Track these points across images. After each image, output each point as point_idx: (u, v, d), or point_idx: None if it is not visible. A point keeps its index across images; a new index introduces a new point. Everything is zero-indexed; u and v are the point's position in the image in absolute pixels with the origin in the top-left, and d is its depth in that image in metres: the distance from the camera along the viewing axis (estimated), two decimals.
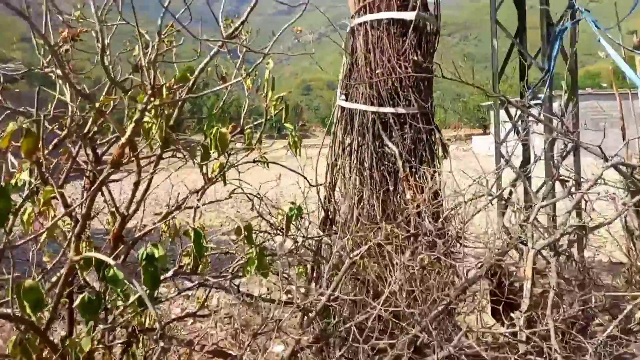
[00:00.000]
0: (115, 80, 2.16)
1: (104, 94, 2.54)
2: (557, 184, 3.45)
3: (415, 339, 2.29)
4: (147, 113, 2.14)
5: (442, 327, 2.45)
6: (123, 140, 2.04)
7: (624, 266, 3.25)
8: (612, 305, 2.63)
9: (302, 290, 2.82)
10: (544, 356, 2.07)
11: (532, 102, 3.62)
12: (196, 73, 2.21)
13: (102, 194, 2.72)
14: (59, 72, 2.12)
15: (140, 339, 3.02)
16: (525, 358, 2.19)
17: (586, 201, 2.80)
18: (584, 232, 2.62)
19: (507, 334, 2.30)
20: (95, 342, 2.60)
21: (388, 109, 3.61)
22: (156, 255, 2.23)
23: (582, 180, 2.92)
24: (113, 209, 3.17)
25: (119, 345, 3.08)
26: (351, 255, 2.47)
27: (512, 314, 2.32)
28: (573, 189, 3.23)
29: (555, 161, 2.89)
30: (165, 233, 2.95)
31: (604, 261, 4.23)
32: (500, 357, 2.21)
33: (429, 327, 2.28)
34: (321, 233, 3.79)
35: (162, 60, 2.58)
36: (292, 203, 3.09)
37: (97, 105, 2.03)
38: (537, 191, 3.89)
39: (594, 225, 2.61)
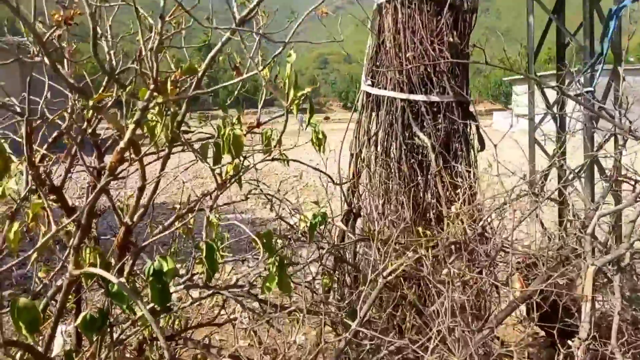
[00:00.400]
0: (113, 72, 1.87)
1: (103, 85, 2.25)
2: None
3: None
4: (151, 110, 1.86)
5: (486, 351, 2.16)
6: (122, 144, 1.77)
7: None
8: None
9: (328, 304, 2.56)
10: None
11: (584, 90, 3.22)
12: (205, 63, 1.90)
13: (107, 194, 2.47)
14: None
15: (154, 343, 2.83)
16: None
17: None
18: None
19: None
20: (102, 358, 2.38)
21: (420, 97, 3.26)
22: (165, 269, 1.97)
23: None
24: (122, 205, 2.92)
25: (131, 350, 2.89)
26: (384, 274, 2.19)
27: (569, 342, 2.02)
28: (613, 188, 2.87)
29: (616, 159, 2.53)
30: (178, 230, 2.69)
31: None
32: None
33: (473, 354, 2.00)
34: (344, 227, 3.50)
35: (168, 46, 2.28)
36: (316, 203, 2.79)
37: (90, 102, 1.75)
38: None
39: None
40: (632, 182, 2.35)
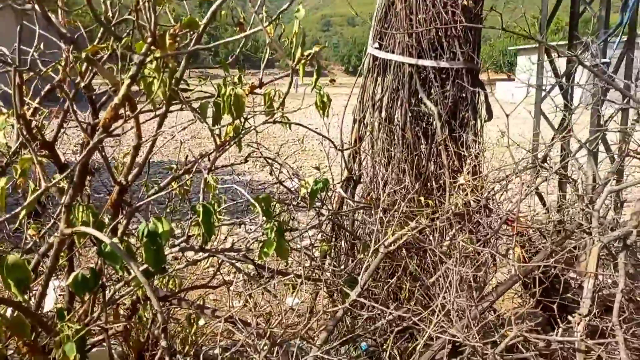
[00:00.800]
0: (109, 23, 1.75)
1: (98, 37, 2.13)
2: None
3: (453, 342, 1.99)
4: (148, 66, 1.75)
5: (484, 328, 2.15)
6: (116, 100, 1.67)
7: None
8: None
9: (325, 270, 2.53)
10: None
11: (600, 61, 3.10)
12: (206, 17, 1.78)
13: (101, 151, 2.38)
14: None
15: (147, 303, 2.81)
16: None
17: None
18: None
19: (561, 341, 1.98)
20: (95, 316, 2.36)
21: (429, 62, 3.14)
22: (159, 231, 1.92)
23: None
24: (117, 163, 2.85)
25: (125, 310, 2.88)
26: (386, 244, 2.14)
27: (569, 317, 1.99)
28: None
29: (629, 133, 2.44)
30: (175, 191, 2.63)
31: None
32: None
33: (470, 327, 1.98)
34: (343, 194, 3.44)
35: None
36: (316, 168, 2.72)
37: (83, 54, 1.64)
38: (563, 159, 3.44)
39: None
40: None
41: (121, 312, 2.82)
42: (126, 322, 2.65)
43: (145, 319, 2.89)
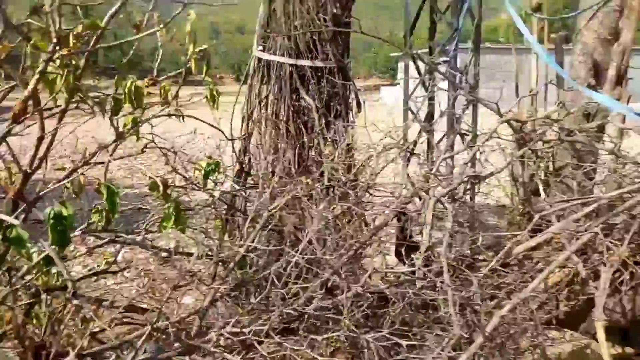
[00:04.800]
0: (11, 23, 1.97)
1: None
2: (457, 138, 3.79)
3: (326, 282, 2.49)
4: (51, 63, 2.00)
5: (351, 270, 2.66)
6: (26, 93, 1.90)
7: (507, 209, 3.71)
8: (496, 243, 3.01)
9: (218, 243, 2.88)
10: (437, 290, 2.34)
11: (440, 60, 3.84)
12: (105, 20, 2.08)
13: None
14: None
15: (44, 299, 2.83)
16: (422, 292, 2.46)
17: (481, 152, 3.11)
18: (477, 180, 2.93)
19: (407, 273, 2.58)
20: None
21: (305, 62, 3.66)
22: (64, 214, 2.15)
23: (478, 133, 3.22)
24: (9, 165, 2.95)
25: (22, 306, 2.88)
26: (269, 208, 2.57)
27: (412, 255, 2.59)
28: (470, 143, 3.56)
29: (457, 116, 3.16)
30: (68, 190, 2.78)
31: (491, 205, 4.57)
32: (399, 292, 2.47)
33: (339, 271, 2.48)
34: (236, 186, 3.82)
35: (67, 3, 2.38)
36: (209, 157, 3.07)
37: None
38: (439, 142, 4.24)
39: (486, 174, 2.93)
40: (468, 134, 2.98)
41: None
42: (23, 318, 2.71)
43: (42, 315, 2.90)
